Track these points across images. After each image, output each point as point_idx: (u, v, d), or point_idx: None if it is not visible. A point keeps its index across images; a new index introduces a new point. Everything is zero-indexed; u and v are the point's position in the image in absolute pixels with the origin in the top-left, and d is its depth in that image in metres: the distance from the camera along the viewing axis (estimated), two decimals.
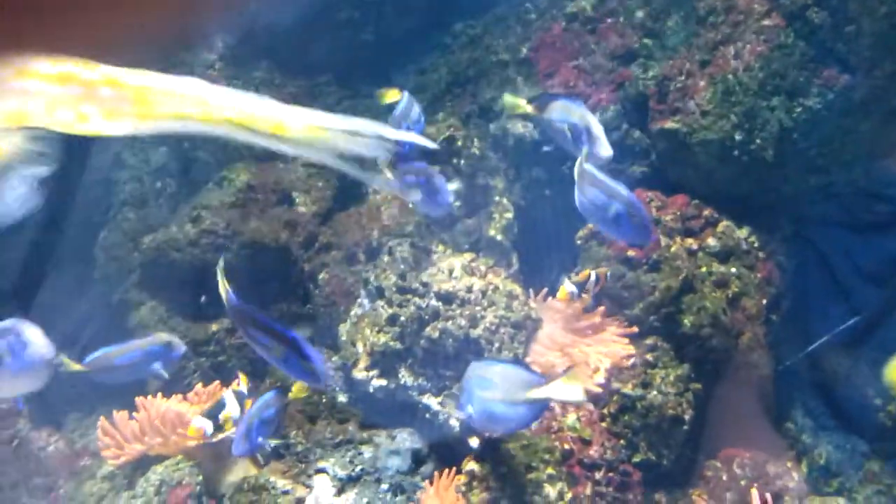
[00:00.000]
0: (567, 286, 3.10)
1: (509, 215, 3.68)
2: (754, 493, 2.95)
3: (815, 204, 3.60)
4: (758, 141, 3.23)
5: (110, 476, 3.23)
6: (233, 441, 2.66)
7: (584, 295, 3.12)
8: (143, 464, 3.14)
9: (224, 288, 2.27)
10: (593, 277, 3.13)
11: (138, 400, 3.17)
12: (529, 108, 2.84)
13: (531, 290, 3.29)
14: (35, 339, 2.42)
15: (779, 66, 3.19)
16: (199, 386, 3.36)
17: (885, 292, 3.64)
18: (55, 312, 4.40)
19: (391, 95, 3.37)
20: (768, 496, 2.92)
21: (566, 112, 2.76)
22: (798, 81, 3.17)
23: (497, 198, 3.71)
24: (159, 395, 3.18)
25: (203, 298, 3.67)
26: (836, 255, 3.69)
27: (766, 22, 3.24)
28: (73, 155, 4.47)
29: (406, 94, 3.10)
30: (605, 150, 2.70)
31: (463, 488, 2.78)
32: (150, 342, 3.00)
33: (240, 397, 2.82)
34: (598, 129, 2.72)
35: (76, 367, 2.78)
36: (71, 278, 4.26)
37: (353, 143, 0.94)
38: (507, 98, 2.96)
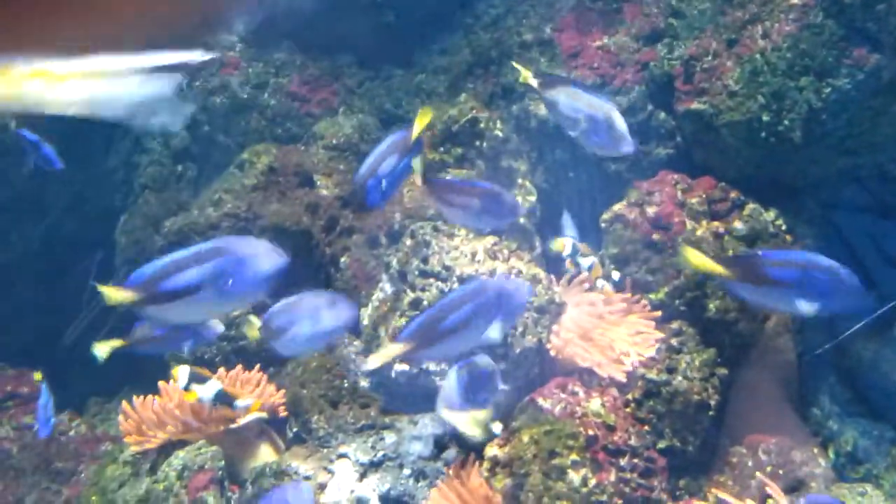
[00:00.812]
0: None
1: (532, 198, 3.65)
2: (764, 478, 2.93)
3: (842, 187, 3.55)
4: (786, 122, 3.18)
5: (132, 461, 3.23)
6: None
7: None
8: (165, 448, 3.14)
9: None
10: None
11: (160, 385, 3.17)
12: (532, 81, 2.70)
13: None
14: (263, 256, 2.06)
15: (808, 46, 3.13)
16: (221, 370, 3.35)
17: None
18: (79, 297, 4.43)
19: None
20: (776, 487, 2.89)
21: (582, 102, 2.63)
22: (827, 61, 3.11)
23: (520, 181, 3.67)
24: None
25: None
26: (862, 240, 3.64)
27: (795, 1, 3.18)
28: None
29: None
30: (628, 145, 2.61)
31: (486, 474, 2.76)
32: None
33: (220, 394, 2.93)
34: (620, 123, 2.58)
35: (117, 343, 2.77)
36: (92, 263, 4.27)
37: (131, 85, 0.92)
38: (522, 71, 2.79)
